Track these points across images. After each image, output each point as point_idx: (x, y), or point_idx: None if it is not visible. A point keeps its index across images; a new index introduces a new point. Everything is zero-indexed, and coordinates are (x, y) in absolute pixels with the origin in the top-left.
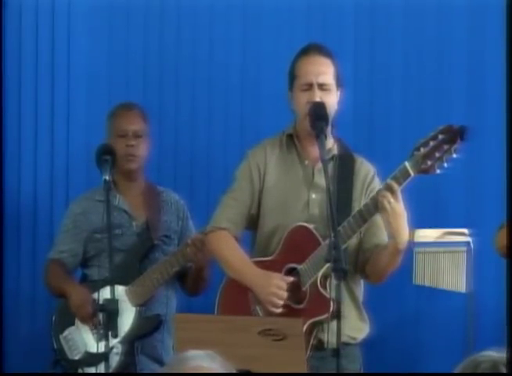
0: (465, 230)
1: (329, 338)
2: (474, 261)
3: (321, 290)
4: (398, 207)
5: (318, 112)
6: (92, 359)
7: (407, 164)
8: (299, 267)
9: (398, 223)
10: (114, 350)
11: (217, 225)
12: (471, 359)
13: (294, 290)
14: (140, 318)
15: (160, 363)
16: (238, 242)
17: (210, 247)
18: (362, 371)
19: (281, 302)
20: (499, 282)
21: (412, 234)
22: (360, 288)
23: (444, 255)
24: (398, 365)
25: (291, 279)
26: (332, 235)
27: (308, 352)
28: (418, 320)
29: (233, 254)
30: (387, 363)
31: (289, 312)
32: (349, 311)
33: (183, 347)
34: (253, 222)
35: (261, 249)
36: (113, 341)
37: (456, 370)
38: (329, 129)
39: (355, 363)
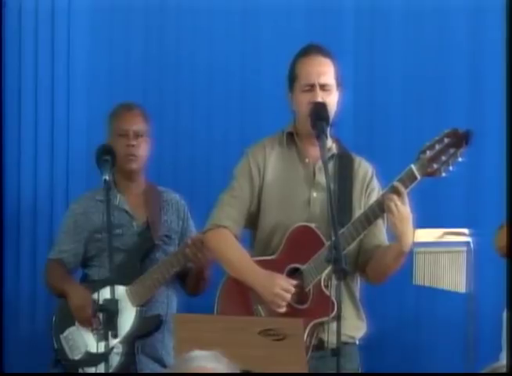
0: (465, 230)
1: (330, 337)
2: (474, 261)
3: (324, 291)
4: (405, 210)
5: (319, 112)
6: (93, 359)
7: (413, 167)
8: (302, 267)
9: (404, 226)
10: (115, 350)
11: (217, 222)
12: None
13: (297, 290)
14: (141, 318)
15: (161, 363)
16: (238, 241)
17: (210, 245)
18: (360, 371)
19: (285, 303)
20: (499, 282)
21: (412, 234)
22: (357, 287)
23: (444, 255)
24: (398, 365)
25: (295, 282)
26: (332, 235)
27: (309, 353)
28: (418, 320)
29: (235, 253)
30: (386, 363)
31: (291, 312)
32: (348, 311)
33: (183, 347)
34: (252, 221)
35: (261, 248)
36: (114, 342)
37: None
38: (328, 129)
39: (352, 363)
